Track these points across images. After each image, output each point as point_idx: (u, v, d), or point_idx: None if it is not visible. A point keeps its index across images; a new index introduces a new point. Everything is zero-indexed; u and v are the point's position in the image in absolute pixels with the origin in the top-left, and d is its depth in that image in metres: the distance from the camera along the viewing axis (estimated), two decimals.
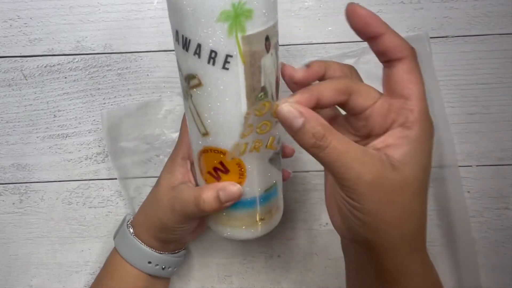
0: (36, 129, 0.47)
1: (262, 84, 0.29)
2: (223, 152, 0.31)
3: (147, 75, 0.46)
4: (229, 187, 0.32)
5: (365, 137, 0.30)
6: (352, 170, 0.26)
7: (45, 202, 0.47)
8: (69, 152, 0.47)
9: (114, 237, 0.41)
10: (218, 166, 0.32)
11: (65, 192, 0.47)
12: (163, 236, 0.38)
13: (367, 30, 0.27)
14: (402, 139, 0.27)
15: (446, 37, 0.46)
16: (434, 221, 0.46)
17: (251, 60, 0.28)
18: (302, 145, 0.26)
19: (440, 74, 0.45)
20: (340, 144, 0.26)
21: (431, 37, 0.45)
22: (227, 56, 0.27)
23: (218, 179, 0.33)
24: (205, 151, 0.32)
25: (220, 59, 0.27)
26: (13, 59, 0.46)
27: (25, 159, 0.47)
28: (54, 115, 0.47)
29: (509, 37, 0.45)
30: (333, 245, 0.47)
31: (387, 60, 0.28)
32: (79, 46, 0.46)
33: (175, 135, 0.46)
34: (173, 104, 0.46)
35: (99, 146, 0.47)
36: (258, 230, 0.35)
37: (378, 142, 0.28)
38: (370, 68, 0.45)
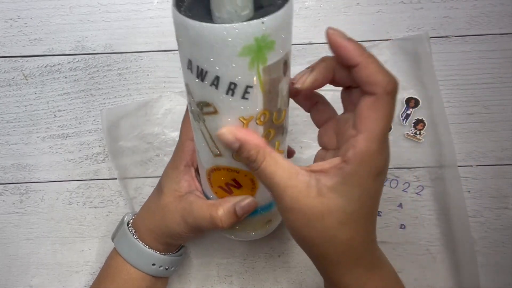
0: (37, 129, 0.47)
1: (278, 107, 0.29)
2: (237, 171, 0.31)
3: (147, 75, 0.46)
4: (245, 201, 0.33)
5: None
6: (276, 192, 0.28)
7: (45, 202, 0.47)
8: (70, 152, 0.47)
9: (113, 238, 0.41)
10: (231, 182, 0.33)
11: (65, 192, 0.47)
12: (169, 241, 0.38)
13: (343, 58, 0.27)
14: (337, 170, 0.27)
15: (446, 36, 0.46)
16: (433, 221, 0.46)
17: (270, 87, 0.27)
18: (240, 160, 0.30)
19: (440, 74, 0.45)
20: (269, 167, 0.28)
21: (431, 37, 0.45)
22: (247, 87, 0.26)
23: (229, 192, 0.33)
24: (218, 169, 0.32)
25: (239, 90, 0.26)
26: (13, 59, 0.46)
27: (25, 159, 0.47)
28: (55, 115, 0.47)
29: (509, 37, 0.45)
30: None
31: (360, 90, 0.28)
32: (79, 46, 0.46)
33: (175, 134, 0.46)
34: (172, 103, 0.46)
35: (99, 146, 0.47)
36: (266, 231, 0.37)
37: (317, 165, 0.29)
38: None
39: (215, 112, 0.28)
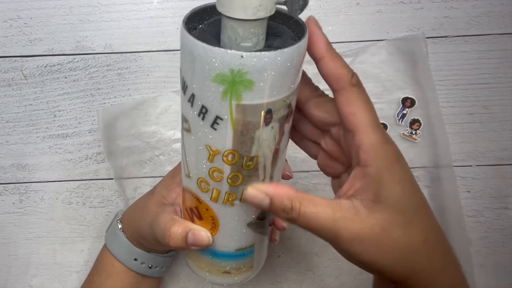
0: (36, 129, 0.47)
1: (253, 154, 0.27)
2: (199, 200, 0.30)
3: (147, 75, 0.46)
4: (200, 233, 0.31)
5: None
6: (328, 231, 0.26)
7: (45, 202, 0.47)
8: (69, 152, 0.47)
9: (106, 231, 0.42)
10: (193, 210, 0.31)
11: (65, 192, 0.47)
12: (142, 242, 0.38)
13: (309, 50, 0.26)
14: (365, 179, 0.26)
15: (446, 37, 0.46)
16: None
17: (243, 130, 0.25)
18: (277, 216, 0.28)
19: (440, 74, 0.45)
20: (309, 210, 0.26)
21: (431, 37, 0.45)
22: (217, 117, 0.25)
23: (192, 220, 0.32)
24: (187, 190, 0.31)
25: (209, 117, 0.25)
26: (13, 59, 0.46)
27: (25, 159, 0.47)
28: (54, 115, 0.47)
29: (509, 37, 0.45)
30: None
31: (330, 88, 0.27)
32: (79, 46, 0.46)
33: (171, 133, 0.46)
34: (169, 102, 0.46)
35: (99, 146, 0.47)
36: (222, 280, 0.34)
37: (347, 188, 0.27)
38: (365, 67, 0.45)
39: (189, 130, 0.27)
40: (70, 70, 0.46)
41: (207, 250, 0.32)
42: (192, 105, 0.25)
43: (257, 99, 0.24)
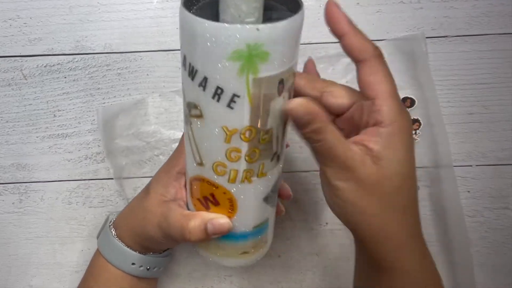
0: (36, 129, 0.47)
1: (268, 127, 0.27)
2: (215, 186, 0.30)
3: (147, 74, 0.46)
4: (218, 220, 0.31)
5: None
6: (335, 163, 0.29)
7: (45, 202, 0.47)
8: (69, 152, 0.47)
9: (98, 237, 0.41)
10: (209, 197, 0.31)
11: (65, 192, 0.47)
12: (146, 244, 0.37)
13: (333, 28, 0.29)
14: (376, 136, 0.28)
15: (446, 36, 0.46)
16: (429, 221, 0.46)
17: (260, 103, 0.26)
18: (300, 133, 0.30)
19: (440, 74, 0.45)
20: (333, 140, 0.28)
21: (431, 37, 0.45)
22: (234, 95, 0.25)
23: (206, 208, 0.32)
24: (198, 179, 0.31)
25: (226, 97, 0.25)
26: (13, 58, 0.46)
27: (25, 159, 0.47)
28: (54, 114, 0.47)
29: (509, 37, 0.45)
30: (333, 245, 0.47)
31: (354, 60, 0.30)
32: (79, 46, 0.46)
33: (170, 132, 0.46)
34: (169, 102, 0.46)
35: (98, 145, 0.47)
36: (240, 262, 0.35)
37: (359, 139, 0.29)
38: None
39: (200, 116, 0.27)
40: (70, 70, 0.46)
41: (226, 235, 0.32)
42: (204, 89, 0.26)
43: (272, 70, 0.25)
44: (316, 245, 0.47)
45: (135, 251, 0.38)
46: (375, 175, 0.28)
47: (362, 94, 0.29)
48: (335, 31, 0.29)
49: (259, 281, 0.47)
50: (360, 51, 0.29)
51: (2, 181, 0.47)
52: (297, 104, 0.27)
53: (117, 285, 0.38)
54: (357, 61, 0.29)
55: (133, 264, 0.38)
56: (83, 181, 0.47)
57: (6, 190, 0.47)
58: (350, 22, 0.29)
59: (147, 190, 0.37)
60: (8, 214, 0.48)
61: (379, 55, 0.29)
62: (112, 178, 0.47)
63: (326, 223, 0.47)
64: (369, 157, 0.28)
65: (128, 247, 0.37)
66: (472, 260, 0.45)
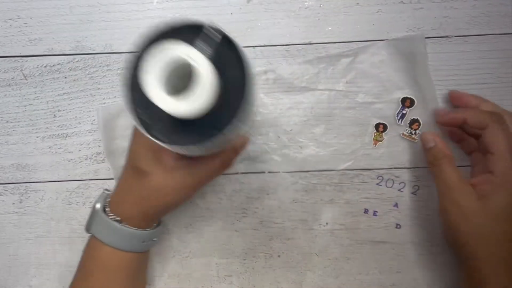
0: (36, 129, 0.47)
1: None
2: None
3: None
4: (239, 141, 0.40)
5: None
6: (445, 187, 0.40)
7: (45, 202, 0.47)
8: (69, 152, 0.47)
9: (88, 230, 0.40)
10: None
11: (65, 192, 0.47)
12: (161, 216, 0.42)
13: (455, 124, 0.42)
14: (487, 182, 0.39)
15: (446, 37, 0.46)
16: (432, 221, 0.46)
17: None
18: (426, 158, 0.43)
19: (440, 74, 0.45)
20: (448, 169, 0.40)
21: (431, 37, 0.45)
22: None
23: None
24: None
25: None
26: (13, 59, 0.46)
27: (25, 159, 0.47)
28: (54, 115, 0.47)
29: (509, 37, 0.45)
30: (333, 245, 0.47)
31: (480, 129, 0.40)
32: (79, 46, 0.46)
33: None
34: None
35: (99, 146, 0.47)
36: None
37: (475, 182, 0.40)
38: (365, 67, 0.45)
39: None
40: (70, 70, 0.46)
41: None
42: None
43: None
44: (316, 245, 0.47)
45: (145, 229, 0.39)
46: (475, 208, 0.38)
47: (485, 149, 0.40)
48: (456, 124, 0.42)
49: (259, 281, 0.47)
50: (480, 123, 0.40)
51: (2, 181, 0.47)
52: (429, 134, 0.43)
53: (129, 267, 0.40)
54: (481, 129, 0.40)
55: (143, 242, 0.40)
56: (83, 181, 0.47)
57: (6, 190, 0.47)
58: (470, 100, 0.43)
59: (139, 172, 0.37)
60: (8, 214, 0.48)
61: (497, 119, 0.39)
62: (112, 178, 0.47)
63: (326, 223, 0.47)
64: (475, 195, 0.38)
65: (137, 228, 0.39)
66: None
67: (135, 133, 0.39)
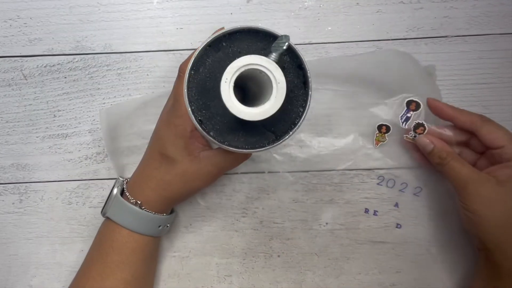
0: (36, 129, 0.47)
1: None
2: None
3: (147, 75, 0.46)
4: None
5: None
6: (460, 182, 0.39)
7: (45, 202, 0.47)
8: (69, 152, 0.47)
9: (104, 214, 0.42)
10: None
11: (65, 192, 0.47)
12: (180, 201, 0.44)
13: (441, 116, 0.42)
14: (504, 168, 0.39)
15: (446, 36, 0.46)
16: (432, 221, 0.46)
17: None
18: (431, 162, 0.42)
19: (440, 74, 0.45)
20: (457, 164, 0.40)
21: (431, 37, 0.45)
22: None
23: None
24: None
25: None
26: (13, 59, 0.46)
27: (25, 159, 0.47)
28: (54, 115, 0.47)
29: (509, 37, 0.45)
30: (333, 245, 0.47)
31: (472, 131, 0.41)
32: (79, 46, 0.46)
33: None
34: None
35: (98, 146, 0.47)
36: None
37: (489, 170, 0.40)
38: (368, 69, 0.45)
39: None
40: (70, 70, 0.46)
41: None
42: None
43: None
44: (316, 245, 0.47)
45: (162, 214, 0.41)
46: (498, 194, 0.38)
47: (490, 148, 0.40)
48: (444, 118, 0.42)
49: (259, 281, 0.47)
50: (471, 123, 0.40)
51: (2, 181, 0.47)
52: (423, 137, 0.42)
53: (146, 250, 0.42)
54: (474, 131, 0.40)
55: (159, 226, 0.42)
56: (83, 181, 0.47)
57: (6, 190, 0.47)
58: (451, 107, 0.41)
59: (167, 159, 0.39)
60: (8, 214, 0.48)
61: (486, 120, 0.40)
62: (111, 178, 0.47)
63: (326, 223, 0.47)
64: (495, 181, 0.38)
65: (155, 213, 0.41)
66: (473, 260, 0.45)
67: (163, 121, 0.40)
